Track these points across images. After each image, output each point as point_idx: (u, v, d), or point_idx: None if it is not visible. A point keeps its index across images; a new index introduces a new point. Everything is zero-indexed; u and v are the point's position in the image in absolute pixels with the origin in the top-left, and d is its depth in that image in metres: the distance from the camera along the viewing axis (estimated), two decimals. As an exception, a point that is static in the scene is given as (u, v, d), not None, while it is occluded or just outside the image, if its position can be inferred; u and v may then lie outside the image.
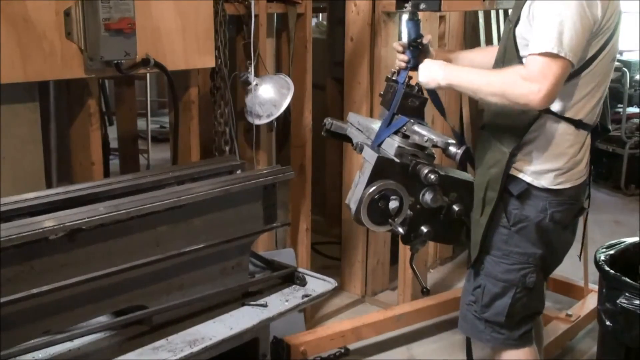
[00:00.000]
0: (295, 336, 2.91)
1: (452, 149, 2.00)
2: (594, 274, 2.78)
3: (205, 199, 2.02)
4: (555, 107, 1.93)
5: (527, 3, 1.88)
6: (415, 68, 2.14)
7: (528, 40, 1.85)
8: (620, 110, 5.97)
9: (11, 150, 2.13)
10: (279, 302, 2.21)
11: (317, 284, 2.34)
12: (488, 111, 2.12)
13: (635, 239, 2.79)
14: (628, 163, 5.77)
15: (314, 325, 3.30)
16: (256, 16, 2.83)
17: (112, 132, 4.14)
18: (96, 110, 2.39)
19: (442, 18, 3.70)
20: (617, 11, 1.90)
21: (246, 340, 2.11)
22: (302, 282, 2.32)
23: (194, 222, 2.05)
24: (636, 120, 6.10)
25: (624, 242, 2.77)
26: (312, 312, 3.40)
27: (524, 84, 1.78)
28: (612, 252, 2.66)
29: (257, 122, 2.88)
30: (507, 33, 2.01)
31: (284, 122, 3.51)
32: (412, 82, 2.18)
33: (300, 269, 2.40)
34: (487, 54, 2.22)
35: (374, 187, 1.98)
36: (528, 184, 1.99)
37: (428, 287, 2.27)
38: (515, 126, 1.97)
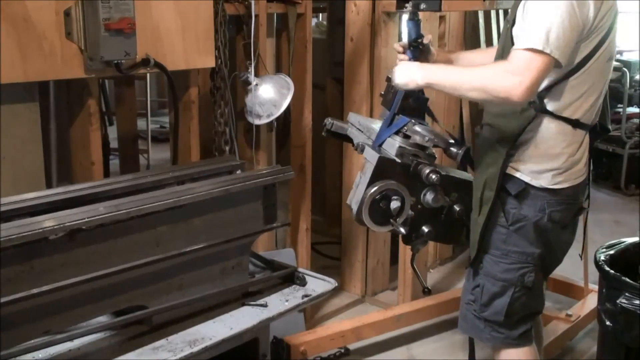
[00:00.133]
0: (295, 336, 2.91)
1: (453, 149, 2.01)
2: (594, 274, 2.78)
3: (205, 199, 2.02)
4: (552, 106, 1.93)
5: (522, 3, 1.89)
6: None
7: None
8: (620, 110, 5.97)
9: (11, 150, 2.13)
10: (279, 302, 2.21)
11: (317, 284, 2.34)
12: (487, 112, 2.12)
13: (635, 239, 2.79)
14: (628, 163, 5.77)
15: (314, 325, 3.30)
16: (256, 16, 2.83)
17: (112, 132, 4.14)
18: (96, 110, 2.39)
19: (442, 18, 3.70)
20: (612, 10, 1.89)
21: (246, 340, 2.11)
22: (302, 282, 2.32)
23: (194, 222, 2.05)
24: (636, 120, 6.10)
25: (624, 242, 2.77)
26: (312, 312, 3.40)
27: (505, 77, 1.79)
28: (612, 252, 2.66)
29: (257, 122, 2.88)
30: (505, 33, 2.02)
31: (284, 122, 3.51)
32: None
33: (300, 269, 2.40)
34: (488, 54, 2.22)
35: (375, 187, 1.98)
36: (526, 183, 1.99)
37: (429, 287, 2.27)
38: (511, 126, 1.97)
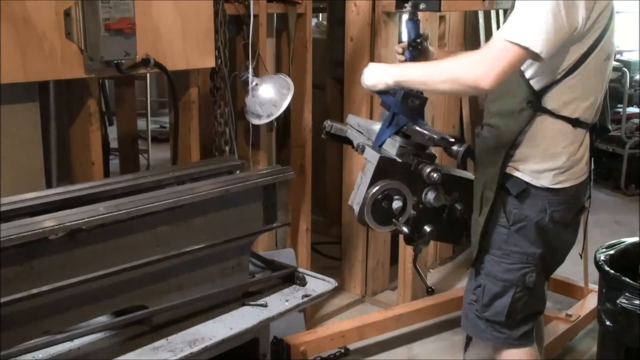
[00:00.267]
0: (295, 336, 2.91)
1: (454, 147, 2.01)
2: (594, 274, 2.78)
3: (205, 199, 2.02)
4: (551, 106, 1.93)
5: (516, 3, 1.89)
6: None
7: None
8: (620, 110, 5.97)
9: (11, 150, 2.13)
10: (279, 302, 2.21)
11: (317, 284, 2.34)
12: (487, 111, 2.12)
13: (635, 239, 2.79)
14: (628, 163, 5.77)
15: (314, 325, 3.30)
16: (256, 16, 2.83)
17: (112, 132, 4.14)
18: (96, 110, 2.38)
19: (442, 18, 3.70)
20: (607, 10, 1.88)
21: (246, 340, 2.11)
22: (302, 282, 2.32)
23: (194, 222, 2.05)
24: (636, 120, 6.10)
25: (624, 242, 2.77)
26: (312, 312, 3.40)
27: (474, 66, 1.81)
28: (612, 252, 2.66)
29: (257, 122, 2.88)
30: None
31: (284, 122, 3.51)
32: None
33: (300, 269, 2.40)
34: None
35: (377, 188, 1.98)
36: (527, 183, 1.99)
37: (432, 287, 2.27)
38: (510, 126, 1.97)
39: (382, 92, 2.06)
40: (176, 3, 2.44)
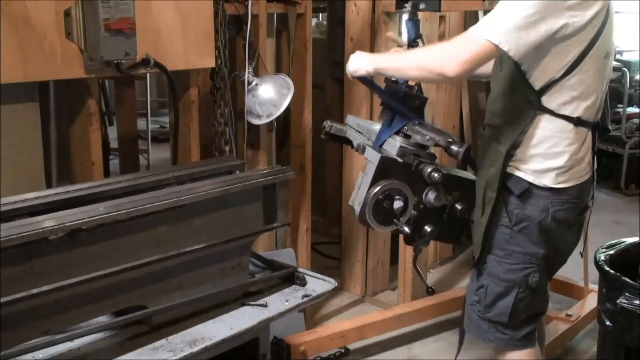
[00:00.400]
0: (295, 336, 2.91)
1: (454, 147, 2.01)
2: (594, 274, 2.78)
3: (205, 199, 2.02)
4: (551, 105, 1.93)
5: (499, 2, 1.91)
6: None
7: None
8: (620, 110, 5.97)
9: (11, 150, 2.13)
10: (279, 302, 2.21)
11: (317, 284, 2.34)
12: (488, 112, 2.12)
13: (635, 239, 2.80)
14: (628, 163, 5.77)
15: (314, 325, 3.30)
16: (256, 16, 2.83)
17: (112, 132, 4.14)
18: (96, 110, 2.38)
19: (442, 18, 3.70)
20: (602, 10, 1.87)
21: (246, 340, 2.11)
22: (302, 282, 2.32)
23: (194, 222, 2.05)
24: (636, 120, 6.10)
25: (624, 242, 2.78)
26: (312, 312, 3.40)
27: (443, 54, 1.89)
28: (612, 252, 2.66)
29: (257, 122, 2.88)
30: None
31: (284, 122, 3.51)
32: (412, 82, 2.19)
33: (300, 269, 2.40)
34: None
35: (378, 188, 1.99)
36: (529, 183, 1.98)
37: (433, 287, 2.27)
38: (511, 126, 1.97)
39: (361, 79, 2.13)
40: (176, 3, 2.44)
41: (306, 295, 2.26)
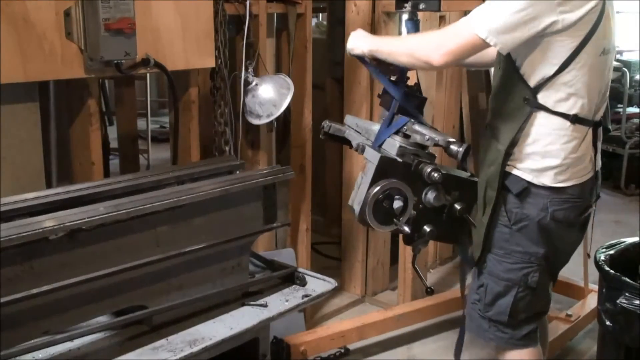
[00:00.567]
0: (295, 336, 2.91)
1: (454, 147, 2.01)
2: (594, 274, 2.78)
3: (205, 199, 2.03)
4: (547, 102, 1.92)
5: None
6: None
7: None
8: (620, 110, 5.97)
9: (11, 150, 2.13)
10: (279, 302, 2.21)
11: (317, 284, 2.34)
12: (489, 111, 2.13)
13: (635, 239, 2.79)
14: (628, 163, 5.77)
15: (314, 325, 3.29)
16: (256, 16, 2.83)
17: (112, 132, 4.14)
18: (96, 110, 2.38)
19: (442, 18, 3.69)
20: (596, 7, 1.86)
21: (246, 340, 2.12)
22: (302, 282, 2.32)
23: (194, 222, 2.05)
24: (636, 120, 6.10)
25: (624, 242, 2.77)
26: (312, 312, 3.40)
27: (430, 43, 1.96)
28: (612, 252, 2.66)
29: (257, 122, 2.87)
30: None
31: (284, 122, 3.51)
32: (411, 82, 2.19)
33: (300, 269, 2.40)
34: (487, 53, 2.22)
35: (378, 187, 1.99)
36: (528, 182, 1.98)
37: (432, 287, 2.27)
38: (508, 124, 1.97)
39: (357, 57, 2.18)
40: (176, 3, 2.44)
41: (306, 295, 2.26)
